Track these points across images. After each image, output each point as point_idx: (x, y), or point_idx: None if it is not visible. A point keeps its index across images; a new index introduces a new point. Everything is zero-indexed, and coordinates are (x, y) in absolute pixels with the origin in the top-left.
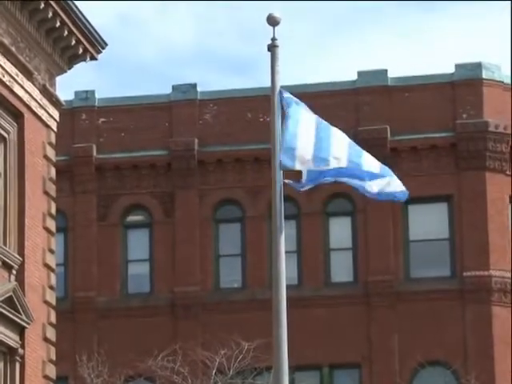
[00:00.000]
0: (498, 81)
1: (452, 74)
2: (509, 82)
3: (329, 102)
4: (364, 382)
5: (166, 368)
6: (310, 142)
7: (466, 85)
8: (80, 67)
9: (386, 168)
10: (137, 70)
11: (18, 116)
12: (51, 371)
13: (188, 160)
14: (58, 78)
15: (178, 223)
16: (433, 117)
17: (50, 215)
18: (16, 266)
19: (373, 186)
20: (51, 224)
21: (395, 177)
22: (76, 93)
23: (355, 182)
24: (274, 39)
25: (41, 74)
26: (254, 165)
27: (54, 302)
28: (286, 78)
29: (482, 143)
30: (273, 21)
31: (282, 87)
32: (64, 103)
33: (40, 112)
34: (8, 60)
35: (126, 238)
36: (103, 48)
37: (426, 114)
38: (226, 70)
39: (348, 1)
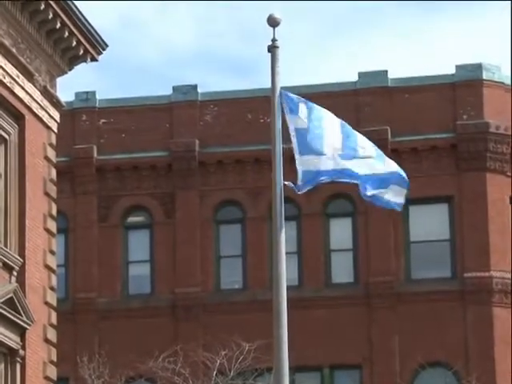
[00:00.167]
0: (498, 82)
1: (452, 74)
2: (509, 82)
3: (329, 102)
4: (365, 383)
5: (166, 369)
6: (336, 134)
7: (467, 86)
8: (80, 68)
9: (397, 174)
10: (137, 71)
11: (18, 117)
12: (52, 372)
13: (188, 161)
14: (59, 79)
15: (179, 224)
16: (433, 118)
17: (51, 216)
18: (17, 267)
19: (371, 189)
20: (52, 225)
21: (399, 187)
22: (76, 94)
23: (354, 181)
24: (274, 40)
25: (41, 76)
26: (255, 166)
27: (54, 303)
28: (286, 79)
29: (482, 144)
30: (273, 22)
31: (282, 88)
32: (65, 104)
33: (41, 113)
34: (9, 61)
35: (126, 239)
36: (104, 49)
37: (427, 115)
38: (227, 71)
39: (348, 1)
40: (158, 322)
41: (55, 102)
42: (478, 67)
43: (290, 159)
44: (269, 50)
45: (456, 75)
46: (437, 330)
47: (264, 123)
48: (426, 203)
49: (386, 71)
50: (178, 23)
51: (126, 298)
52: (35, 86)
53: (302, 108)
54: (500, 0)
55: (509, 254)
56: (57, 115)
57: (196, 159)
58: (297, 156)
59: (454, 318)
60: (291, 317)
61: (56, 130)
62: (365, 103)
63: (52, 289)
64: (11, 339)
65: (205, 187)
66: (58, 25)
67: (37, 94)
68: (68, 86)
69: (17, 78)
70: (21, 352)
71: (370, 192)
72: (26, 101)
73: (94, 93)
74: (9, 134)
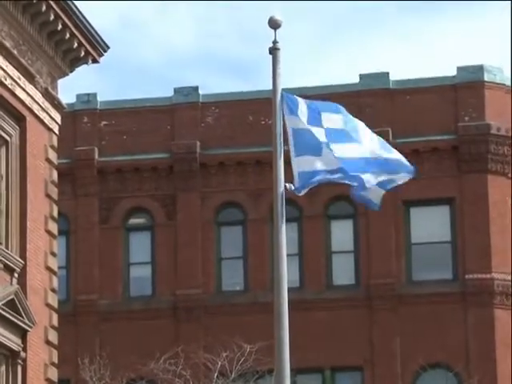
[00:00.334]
0: (499, 83)
1: (454, 76)
2: (510, 84)
3: None
4: None
5: (167, 371)
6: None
7: (468, 87)
8: (82, 70)
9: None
10: (138, 72)
11: (20, 119)
12: (53, 374)
13: (190, 163)
14: (60, 81)
15: (180, 226)
16: (435, 119)
17: (52, 218)
18: (18, 269)
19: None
20: (53, 227)
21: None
22: (78, 96)
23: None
24: (275, 42)
25: (43, 77)
26: (256, 168)
27: (55, 305)
28: (286, 80)
29: (483, 146)
30: (274, 23)
31: (283, 90)
32: (66, 106)
33: (42, 115)
34: (10, 63)
35: (127, 240)
36: (105, 51)
37: (428, 117)
38: (227, 73)
39: (349, 3)
40: (159, 323)
41: (56, 104)
42: (480, 69)
43: (291, 161)
44: (270, 52)
45: (457, 77)
46: (438, 332)
47: (265, 125)
48: (427, 205)
49: (388, 73)
50: (179, 24)
51: (127, 299)
52: (36, 88)
53: (302, 107)
54: (500, 0)
55: (510, 256)
56: (58, 117)
57: (197, 161)
58: (293, 158)
59: (455, 319)
60: (292, 319)
61: (57, 132)
62: (366, 105)
63: (53, 290)
64: (12, 341)
65: (206, 189)
66: (60, 26)
67: (38, 96)
68: (69, 88)
69: (18, 80)
70: (22, 354)
71: (370, 181)
72: (27, 102)
73: (95, 95)
74: (10, 135)
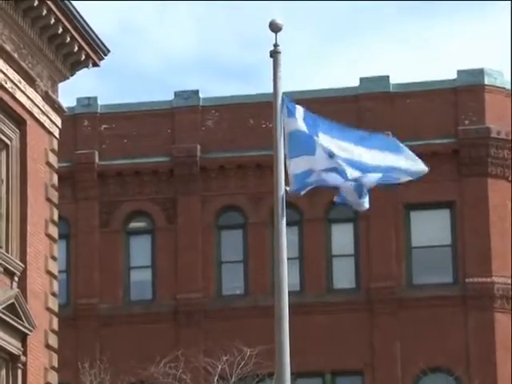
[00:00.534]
0: (500, 87)
1: (454, 80)
2: (510, 87)
3: (330, 108)
4: None
5: (168, 375)
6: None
7: (468, 91)
8: (82, 74)
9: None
10: (138, 76)
11: (20, 123)
12: (53, 378)
13: (190, 166)
14: (61, 85)
15: (181, 230)
16: (435, 123)
17: (53, 222)
18: (18, 273)
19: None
20: (53, 231)
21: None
22: (78, 99)
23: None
24: (276, 45)
25: (43, 81)
26: (256, 171)
27: (56, 309)
28: (287, 84)
29: (483, 149)
30: (275, 27)
31: (283, 93)
32: (66, 110)
33: (42, 118)
34: (10, 66)
35: (128, 244)
36: (105, 54)
37: (428, 121)
38: (228, 77)
39: (349, 6)
40: (159, 327)
41: (57, 108)
42: (480, 72)
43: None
44: (271, 56)
45: (457, 80)
46: (438, 336)
47: (266, 128)
48: (427, 208)
49: (388, 76)
50: (179, 28)
51: (128, 303)
52: (37, 92)
53: (300, 109)
54: (500, 0)
55: (510, 260)
56: (58, 121)
57: (198, 164)
58: (288, 161)
59: (456, 323)
60: (293, 322)
61: (58, 136)
62: (366, 108)
63: (53, 294)
64: (12, 345)
65: (206, 192)
66: (60, 30)
67: (38, 100)
68: (69, 92)
69: (18, 84)
70: (22, 358)
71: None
72: (27, 106)
73: (95, 98)
74: (10, 139)
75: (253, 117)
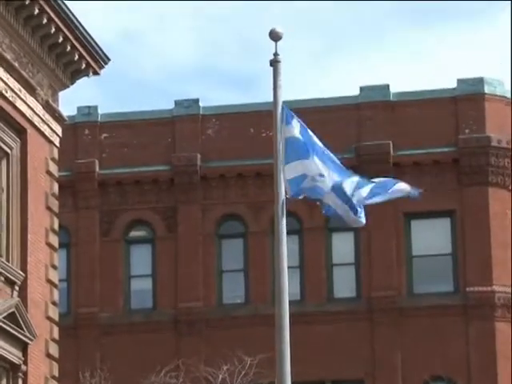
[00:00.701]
0: (500, 96)
1: (454, 88)
2: (511, 96)
3: (331, 117)
4: None
5: None
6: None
7: (468, 100)
8: (82, 82)
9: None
10: (139, 85)
11: (20, 131)
12: None
13: (190, 175)
14: (61, 94)
15: (181, 239)
16: (435, 132)
17: (53, 231)
18: (19, 282)
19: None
20: (54, 240)
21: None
22: (78, 108)
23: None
24: (276, 54)
25: (43, 90)
26: (257, 180)
27: (56, 318)
28: (287, 92)
29: (484, 158)
30: (275, 36)
31: (284, 102)
32: (67, 119)
33: (43, 127)
34: (11, 75)
35: (128, 253)
36: (106, 63)
37: (429, 129)
38: (228, 85)
39: (349, 14)
40: (160, 336)
41: (57, 117)
42: (480, 81)
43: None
44: (271, 64)
45: (457, 89)
46: (439, 345)
47: (266, 137)
48: (427, 217)
49: (388, 85)
50: (179, 37)
51: (128, 312)
52: (37, 100)
53: (297, 123)
54: (500, 0)
55: (511, 269)
56: (59, 129)
57: (198, 173)
58: (283, 166)
59: (457, 332)
60: (293, 331)
61: (58, 145)
62: (366, 117)
63: (54, 303)
64: (13, 354)
65: (207, 201)
66: (61, 39)
67: (39, 108)
68: (70, 100)
69: (19, 92)
70: (23, 367)
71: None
72: (27, 115)
73: (95, 107)
74: (11, 148)
75: (253, 126)
